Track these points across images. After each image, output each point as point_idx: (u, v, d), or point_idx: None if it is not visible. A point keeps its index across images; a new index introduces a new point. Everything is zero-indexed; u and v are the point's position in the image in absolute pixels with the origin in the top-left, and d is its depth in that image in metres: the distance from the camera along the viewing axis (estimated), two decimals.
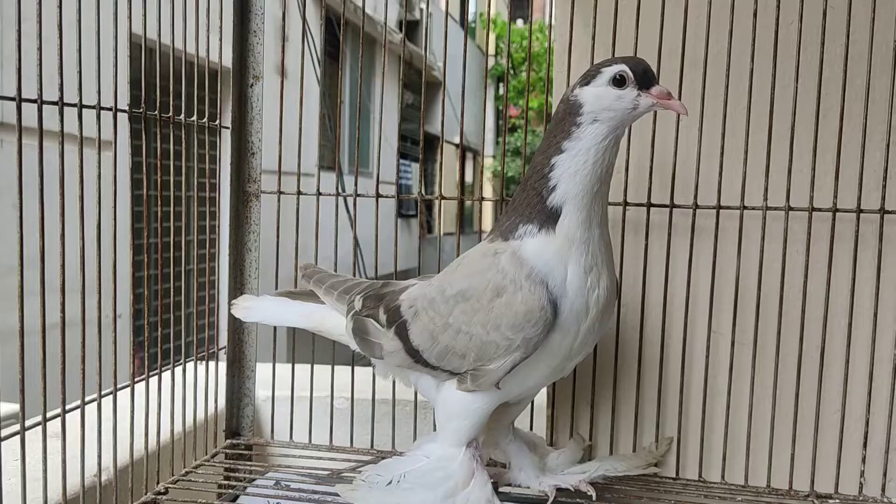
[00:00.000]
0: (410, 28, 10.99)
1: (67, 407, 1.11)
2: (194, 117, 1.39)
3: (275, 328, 1.57)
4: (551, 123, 1.18)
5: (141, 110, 1.25)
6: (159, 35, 1.28)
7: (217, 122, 1.47)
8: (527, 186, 1.17)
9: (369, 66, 9.49)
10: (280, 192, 1.54)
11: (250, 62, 1.53)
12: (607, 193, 1.18)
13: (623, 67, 1.11)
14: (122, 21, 1.18)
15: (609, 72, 1.12)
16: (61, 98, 1.09)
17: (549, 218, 1.14)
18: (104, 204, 1.13)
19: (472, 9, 15.94)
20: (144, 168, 1.26)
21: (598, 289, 1.15)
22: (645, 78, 1.11)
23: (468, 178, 14.11)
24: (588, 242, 1.14)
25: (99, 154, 1.10)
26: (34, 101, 1.04)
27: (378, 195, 1.52)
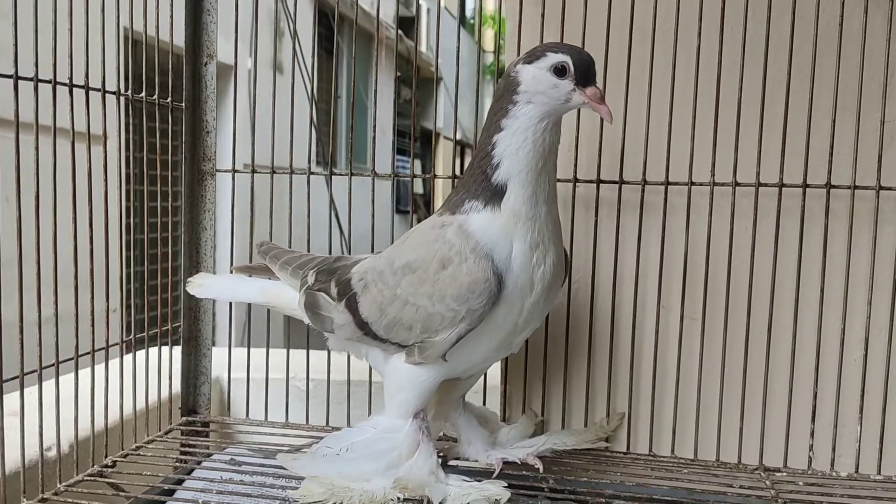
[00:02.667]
0: (406, 24, 10.97)
1: (4, 378, 1.12)
2: (142, 94, 1.40)
3: (230, 312, 1.58)
4: (493, 98, 1.19)
5: (81, 85, 1.25)
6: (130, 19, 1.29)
7: (169, 100, 1.48)
8: (473, 164, 1.18)
9: (365, 60, 9.47)
10: (234, 171, 1.55)
11: (204, 40, 1.54)
12: (554, 171, 1.18)
13: (566, 59, 1.11)
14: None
15: (553, 58, 1.12)
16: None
17: (494, 195, 1.15)
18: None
19: (469, 4, 15.91)
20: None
21: (545, 265, 1.16)
22: (584, 75, 1.12)
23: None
24: (534, 219, 1.15)
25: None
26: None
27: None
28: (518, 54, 1.45)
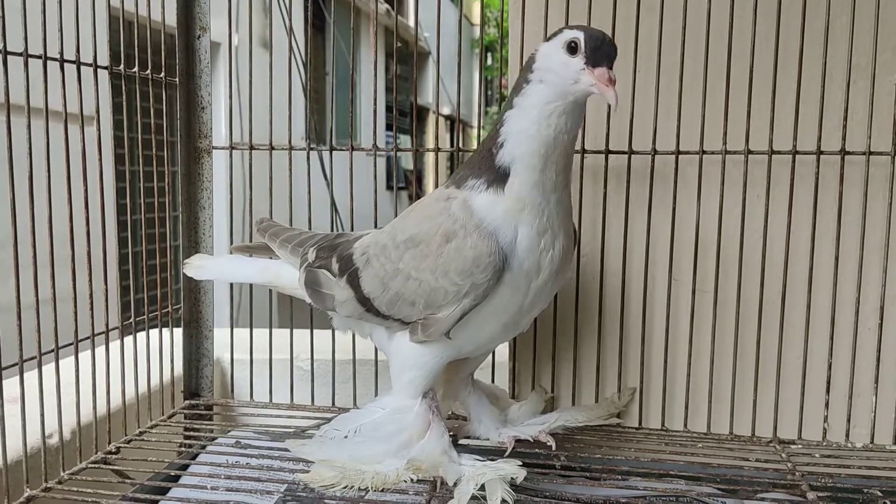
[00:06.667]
0: None
1: (3, 366, 1.08)
2: (135, 68, 1.35)
3: (231, 292, 1.55)
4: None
5: (72, 60, 1.21)
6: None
7: (162, 74, 1.43)
8: (484, 140, 1.14)
9: (356, 36, 9.39)
10: (231, 148, 1.50)
11: (196, 13, 1.49)
12: (567, 160, 1.12)
13: (578, 35, 1.05)
14: None
15: (567, 35, 1.06)
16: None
17: (497, 177, 1.10)
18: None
19: None
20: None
21: (553, 250, 1.12)
22: (595, 54, 1.04)
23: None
24: (543, 207, 1.10)
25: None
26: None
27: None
28: (522, 41, 1.43)
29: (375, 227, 1.44)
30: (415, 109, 1.56)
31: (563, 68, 1.05)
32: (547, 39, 1.10)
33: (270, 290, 1.49)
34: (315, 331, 1.55)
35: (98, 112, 1.22)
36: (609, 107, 1.38)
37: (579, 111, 1.09)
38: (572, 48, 1.05)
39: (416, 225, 1.16)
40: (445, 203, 1.13)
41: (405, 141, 12.47)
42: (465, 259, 1.08)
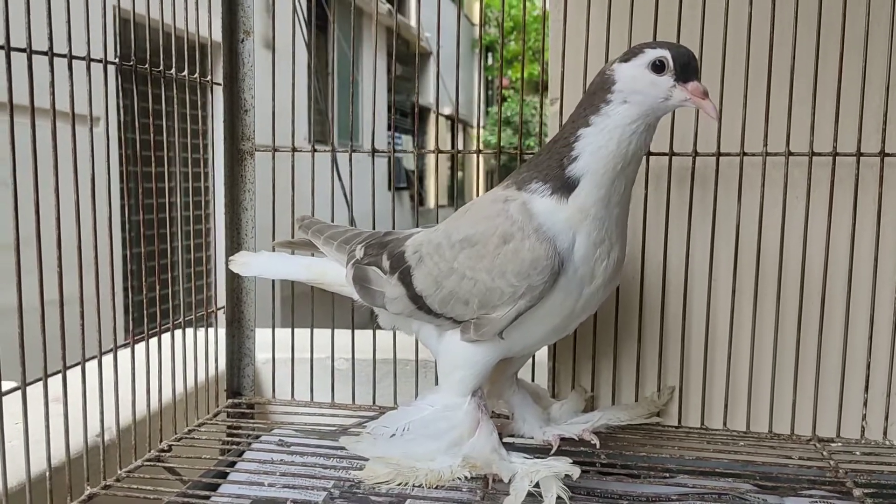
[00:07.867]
0: None
1: (67, 365, 1.10)
2: (185, 72, 1.37)
3: (273, 292, 1.56)
4: (585, 94, 1.15)
5: (131, 63, 1.22)
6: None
7: (208, 77, 1.45)
8: (551, 149, 1.14)
9: (358, 37, 9.41)
10: (274, 150, 1.52)
11: (240, 16, 1.51)
12: (634, 174, 1.14)
13: (665, 53, 1.06)
14: None
15: (651, 54, 1.07)
16: (51, 48, 1.05)
17: (564, 186, 1.11)
18: (90, 167, 1.12)
19: None
20: (136, 126, 1.25)
21: (608, 260, 1.14)
22: (685, 70, 1.06)
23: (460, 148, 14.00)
24: (604, 219, 1.11)
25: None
26: (23, 51, 1.01)
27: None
28: (563, 45, 1.44)
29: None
30: (447, 114, 1.57)
31: (651, 87, 1.07)
32: (623, 59, 1.10)
33: (312, 288, 1.50)
34: (356, 331, 1.57)
35: (165, 119, 1.23)
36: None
37: (656, 125, 1.11)
38: (658, 67, 1.06)
39: (472, 225, 1.17)
40: (504, 205, 1.14)
41: (406, 141, 12.49)
42: (522, 261, 1.10)
